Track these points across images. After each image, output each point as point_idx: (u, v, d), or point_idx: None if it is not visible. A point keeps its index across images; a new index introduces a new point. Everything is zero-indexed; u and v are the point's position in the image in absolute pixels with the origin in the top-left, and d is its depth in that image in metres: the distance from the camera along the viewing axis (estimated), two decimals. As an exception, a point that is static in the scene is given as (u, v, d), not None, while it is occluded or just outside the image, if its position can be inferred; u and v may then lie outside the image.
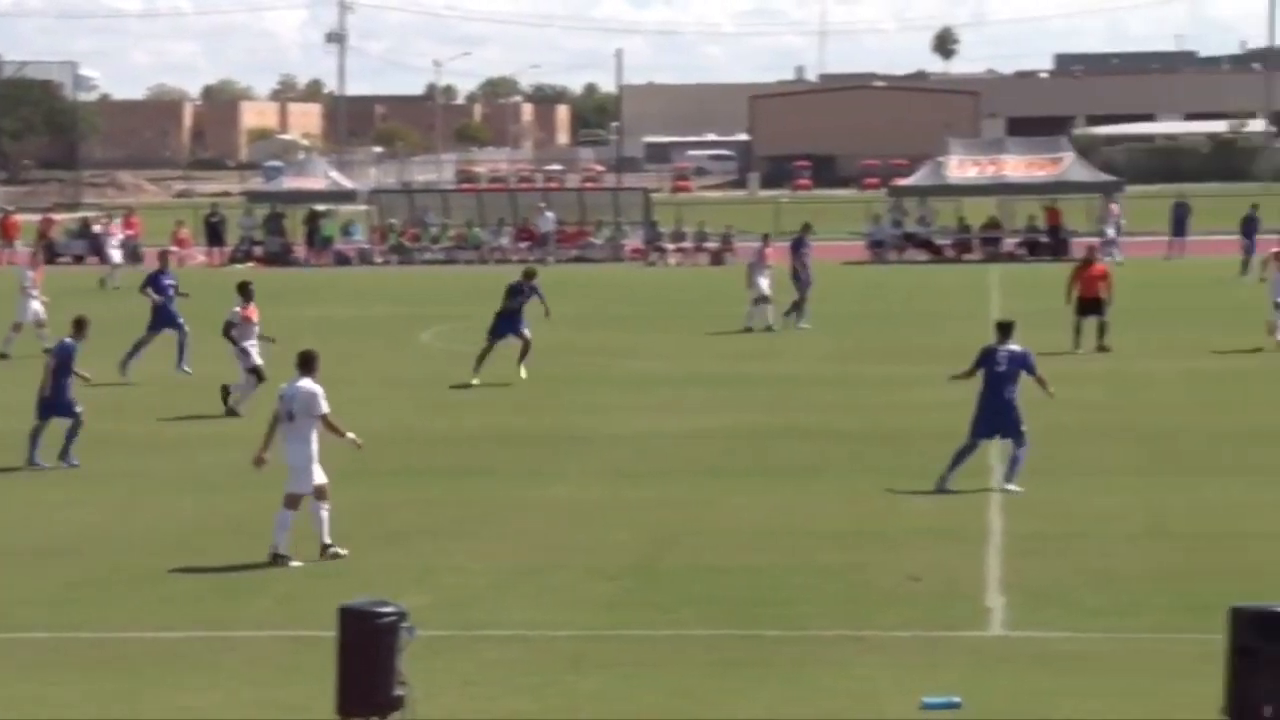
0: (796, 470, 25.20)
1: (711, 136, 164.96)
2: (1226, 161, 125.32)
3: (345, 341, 39.28)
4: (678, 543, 20.88)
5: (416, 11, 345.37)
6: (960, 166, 69.38)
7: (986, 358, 23.56)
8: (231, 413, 29.99)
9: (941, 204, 70.19)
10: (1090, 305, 37.59)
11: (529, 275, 35.39)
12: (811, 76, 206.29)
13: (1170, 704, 14.52)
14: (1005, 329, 23.84)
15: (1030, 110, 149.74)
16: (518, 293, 34.67)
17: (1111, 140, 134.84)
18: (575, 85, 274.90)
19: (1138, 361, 35.87)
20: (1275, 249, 40.18)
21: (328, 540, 19.93)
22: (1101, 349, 36.54)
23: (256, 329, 31.03)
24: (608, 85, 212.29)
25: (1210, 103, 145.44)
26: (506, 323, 34.33)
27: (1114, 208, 65.96)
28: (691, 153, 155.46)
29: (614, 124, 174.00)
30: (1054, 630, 16.86)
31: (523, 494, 23.79)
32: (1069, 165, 69.12)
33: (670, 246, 69.77)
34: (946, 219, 70.03)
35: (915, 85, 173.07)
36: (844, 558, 19.82)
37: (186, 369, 35.19)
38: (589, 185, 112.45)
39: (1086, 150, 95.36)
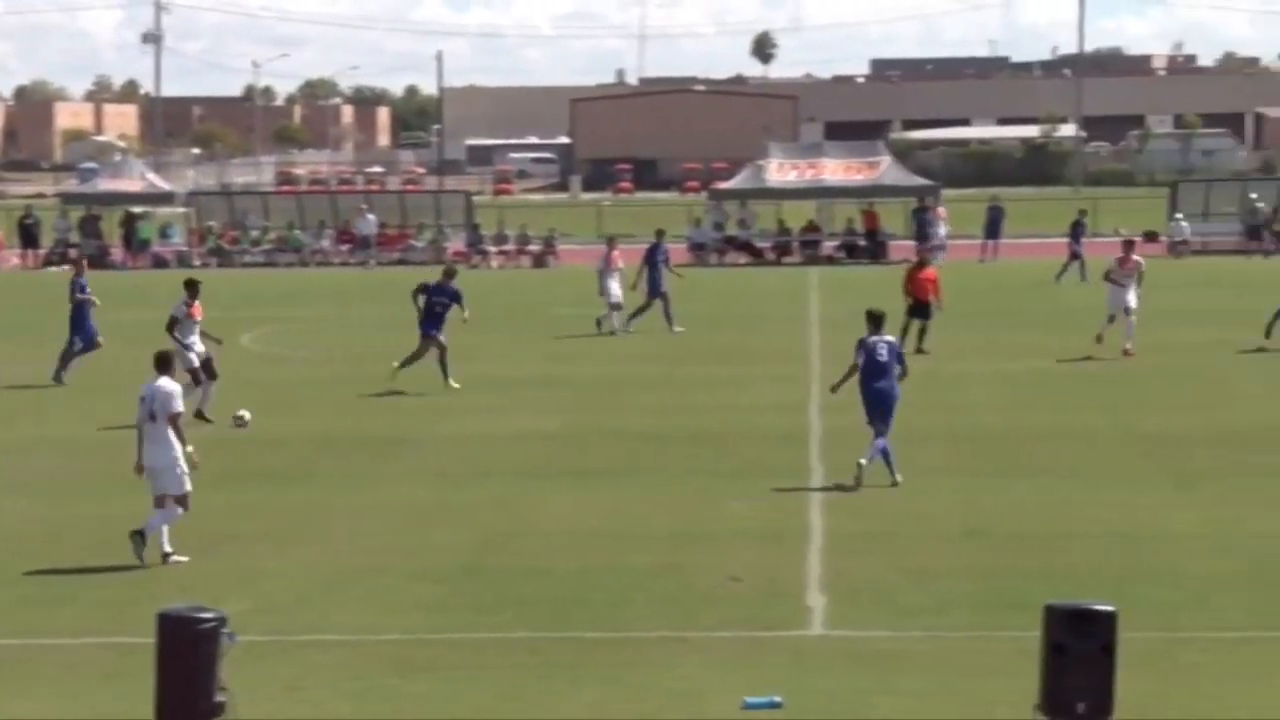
0: (620, 472, 25.29)
1: (533, 139, 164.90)
2: (1039, 166, 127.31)
3: (164, 346, 38.71)
4: (502, 545, 20.89)
5: (234, 12, 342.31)
6: (780, 170, 69.94)
7: (867, 349, 23.95)
8: (200, 415, 29.21)
9: (762, 207, 70.71)
10: (920, 308, 38.05)
11: (449, 275, 34.54)
12: (632, 80, 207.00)
13: (986, 701, 14.76)
14: (878, 320, 24.31)
15: (848, 114, 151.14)
16: (439, 293, 33.71)
17: (927, 144, 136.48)
18: (395, 87, 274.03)
19: (954, 363, 36.34)
20: (1121, 255, 37.98)
21: (169, 548, 19.82)
22: (919, 351, 36.97)
23: (198, 326, 30.50)
24: (428, 87, 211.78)
25: (1023, 108, 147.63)
26: (432, 324, 33.44)
27: (941, 211, 66.81)
28: (513, 155, 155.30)
29: (435, 126, 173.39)
30: (873, 629, 17.06)
31: (346, 498, 23.68)
32: (886, 169, 69.93)
33: (493, 249, 69.70)
34: (767, 222, 70.57)
35: (735, 89, 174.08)
36: (666, 559, 19.93)
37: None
38: (410, 188, 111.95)
39: (903, 154, 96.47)
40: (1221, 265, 62.42)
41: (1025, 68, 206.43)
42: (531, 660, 16.16)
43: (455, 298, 33.83)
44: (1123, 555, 19.88)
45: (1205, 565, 19.37)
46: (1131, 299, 36.99)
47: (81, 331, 35.16)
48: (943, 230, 65.83)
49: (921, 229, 66.67)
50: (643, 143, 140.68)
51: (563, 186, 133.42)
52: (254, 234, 71.28)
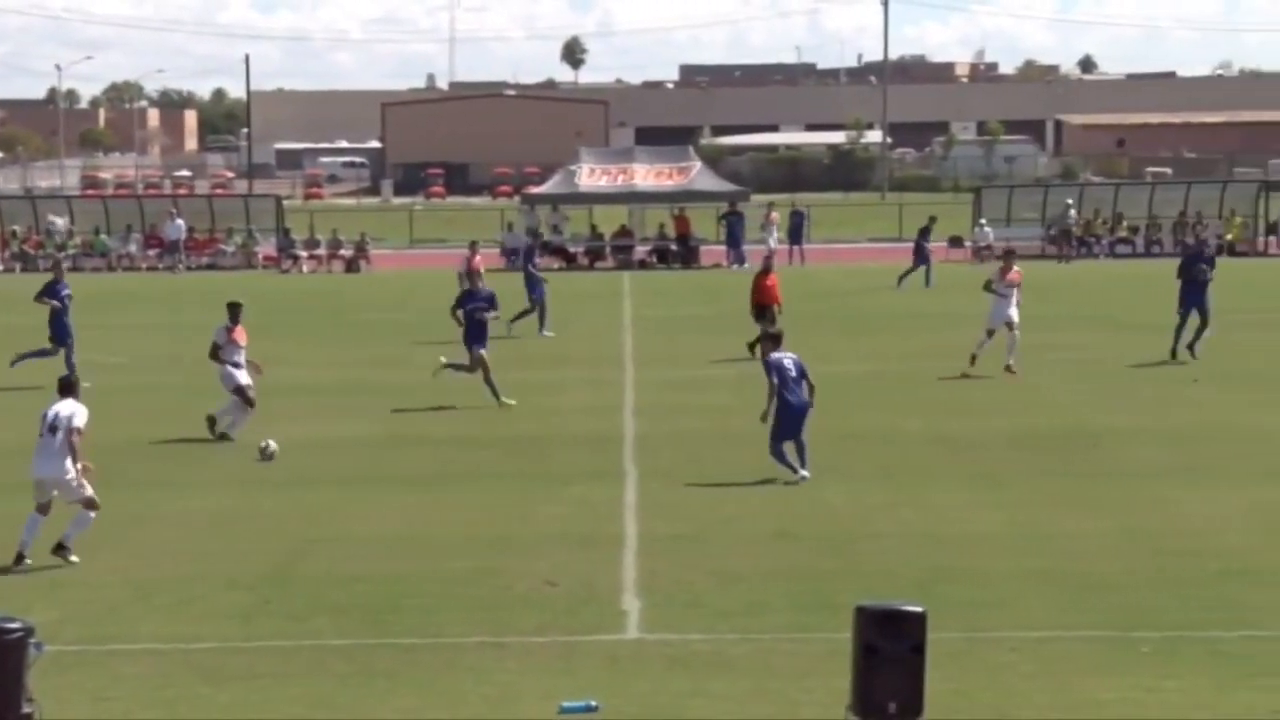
0: (433, 477, 25.23)
1: (343, 144, 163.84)
2: (846, 172, 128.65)
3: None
4: (314, 552, 20.77)
5: (37, 14, 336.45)
6: (591, 175, 70.11)
7: (779, 368, 24.40)
8: (224, 437, 28.46)
9: (574, 212, 70.84)
10: (764, 313, 38.31)
11: (474, 278, 33.66)
12: (442, 84, 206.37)
13: (799, 702, 14.93)
14: (777, 339, 25.06)
15: (658, 120, 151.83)
16: (474, 299, 32.46)
17: (737, 150, 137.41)
18: (202, 91, 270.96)
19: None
20: (1003, 265, 36.19)
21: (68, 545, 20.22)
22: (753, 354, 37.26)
23: (243, 351, 29.44)
24: (236, 91, 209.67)
25: (830, 114, 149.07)
26: (477, 336, 31.95)
27: (774, 216, 67.25)
28: (323, 160, 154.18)
29: (244, 130, 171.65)
30: (687, 632, 17.18)
31: (157, 505, 23.42)
32: (696, 174, 70.35)
33: (304, 254, 69.19)
34: (579, 226, 70.72)
35: (546, 94, 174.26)
36: (480, 563, 19.92)
37: None
38: (219, 192, 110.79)
39: (713, 160, 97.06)
40: (1024, 270, 63.32)
41: (832, 74, 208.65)
42: (345, 668, 16.09)
43: (491, 301, 32.63)
44: (930, 556, 20.16)
45: (1010, 565, 19.70)
46: (1014, 313, 35.25)
47: None
48: (774, 235, 66.25)
49: (731, 232, 67.15)
50: (454, 147, 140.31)
51: (374, 191, 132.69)
52: (59, 238, 70.18)
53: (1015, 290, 35.50)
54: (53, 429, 20.12)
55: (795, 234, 68.17)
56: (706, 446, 27.32)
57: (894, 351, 38.40)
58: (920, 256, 57.74)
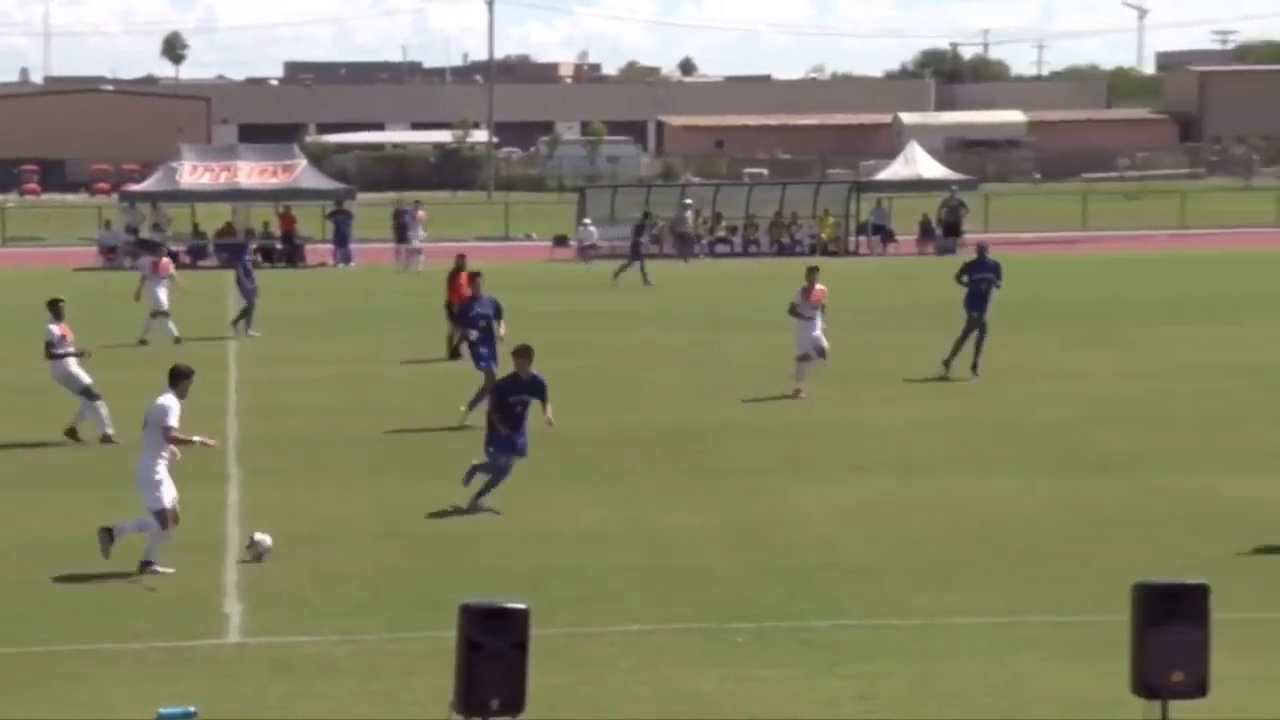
0: (49, 481, 24.62)
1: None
2: (453, 170, 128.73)
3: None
4: (-99, 562, 20.09)
5: None
6: (193, 172, 68.97)
7: (506, 387, 22.96)
8: (71, 434, 27.28)
9: (176, 210, 69.59)
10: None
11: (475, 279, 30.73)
12: (37, 79, 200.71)
13: (403, 701, 14.98)
14: (522, 352, 22.92)
15: (262, 117, 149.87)
16: (480, 308, 29.88)
17: (342, 148, 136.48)
18: None
19: (370, 365, 36.55)
20: (806, 285, 32.71)
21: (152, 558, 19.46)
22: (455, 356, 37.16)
23: (71, 347, 27.77)
24: None
25: (437, 113, 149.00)
26: (488, 348, 29.28)
27: (420, 215, 66.82)
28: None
29: None
30: (291, 634, 17.07)
31: None
32: (301, 172, 69.73)
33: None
34: (182, 225, 69.51)
35: (145, 90, 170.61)
36: (76, 569, 19.46)
37: None
38: None
39: (318, 158, 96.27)
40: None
41: (438, 73, 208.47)
42: (-64, 679, 15.63)
43: (498, 311, 29.85)
44: (535, 553, 20.36)
45: (614, 560, 20.00)
46: (823, 337, 32.38)
47: None
48: (421, 234, 65.88)
49: (338, 231, 66.73)
50: (49, 143, 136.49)
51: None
52: None
53: (819, 310, 32.60)
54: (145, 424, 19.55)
55: (401, 232, 67.92)
56: (313, 447, 27.16)
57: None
58: (635, 252, 58.36)
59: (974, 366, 34.03)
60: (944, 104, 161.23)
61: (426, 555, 20.32)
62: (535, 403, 22.75)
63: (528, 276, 57.10)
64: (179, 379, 19.90)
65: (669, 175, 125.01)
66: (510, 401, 22.52)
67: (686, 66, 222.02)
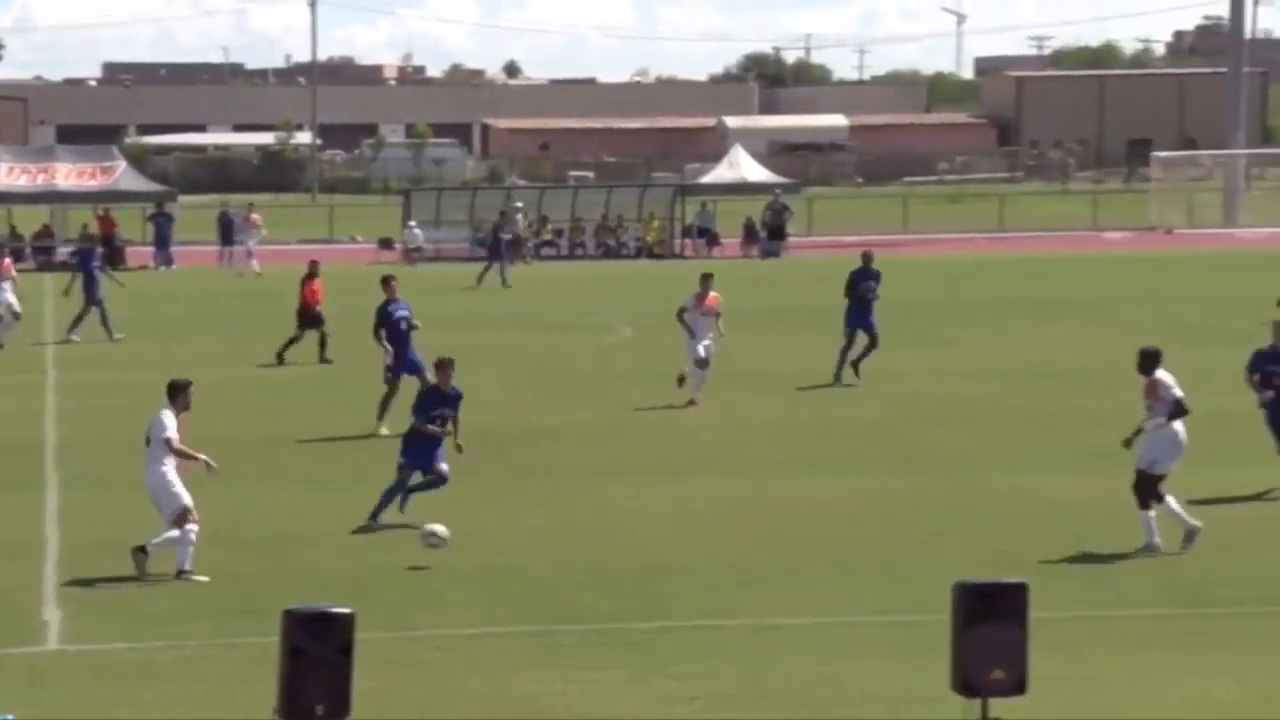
0: None
1: None
2: (276, 172, 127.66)
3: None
4: None
5: None
6: (10, 174, 67.90)
7: (432, 400, 22.31)
8: None
9: (-8, 212, 68.44)
10: (312, 318, 37.51)
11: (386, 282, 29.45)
12: None
13: (230, 707, 14.84)
14: (445, 364, 22.44)
15: (80, 118, 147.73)
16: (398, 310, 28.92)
17: (163, 150, 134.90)
18: None
19: (196, 369, 36.11)
20: (699, 291, 31.74)
21: (188, 566, 19.35)
22: (324, 360, 36.80)
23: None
24: None
25: (259, 114, 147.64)
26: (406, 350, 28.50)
27: (255, 217, 66.10)
28: None
29: None
30: (112, 641, 16.86)
31: None
32: (121, 174, 68.88)
33: None
34: (-2, 227, 68.38)
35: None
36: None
37: None
38: None
39: (138, 159, 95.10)
40: (454, 272, 64.04)
41: (260, 75, 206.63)
42: None
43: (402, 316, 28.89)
44: (363, 556, 20.26)
45: (440, 563, 19.92)
46: (702, 350, 31.06)
47: None
48: (256, 238, 65.22)
49: (159, 233, 66.00)
50: None
51: None
52: None
53: (713, 318, 31.57)
54: (147, 440, 19.70)
55: (226, 234, 67.25)
56: (133, 452, 26.75)
57: (339, 352, 38.30)
58: (495, 253, 58.19)
59: (855, 365, 33.81)
60: (767, 108, 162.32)
61: (250, 560, 20.14)
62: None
63: (354, 279, 56.55)
64: (176, 393, 20.02)
65: (494, 178, 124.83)
66: (433, 415, 22.06)
67: (511, 69, 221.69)
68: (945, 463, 25.96)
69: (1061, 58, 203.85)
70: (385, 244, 71.12)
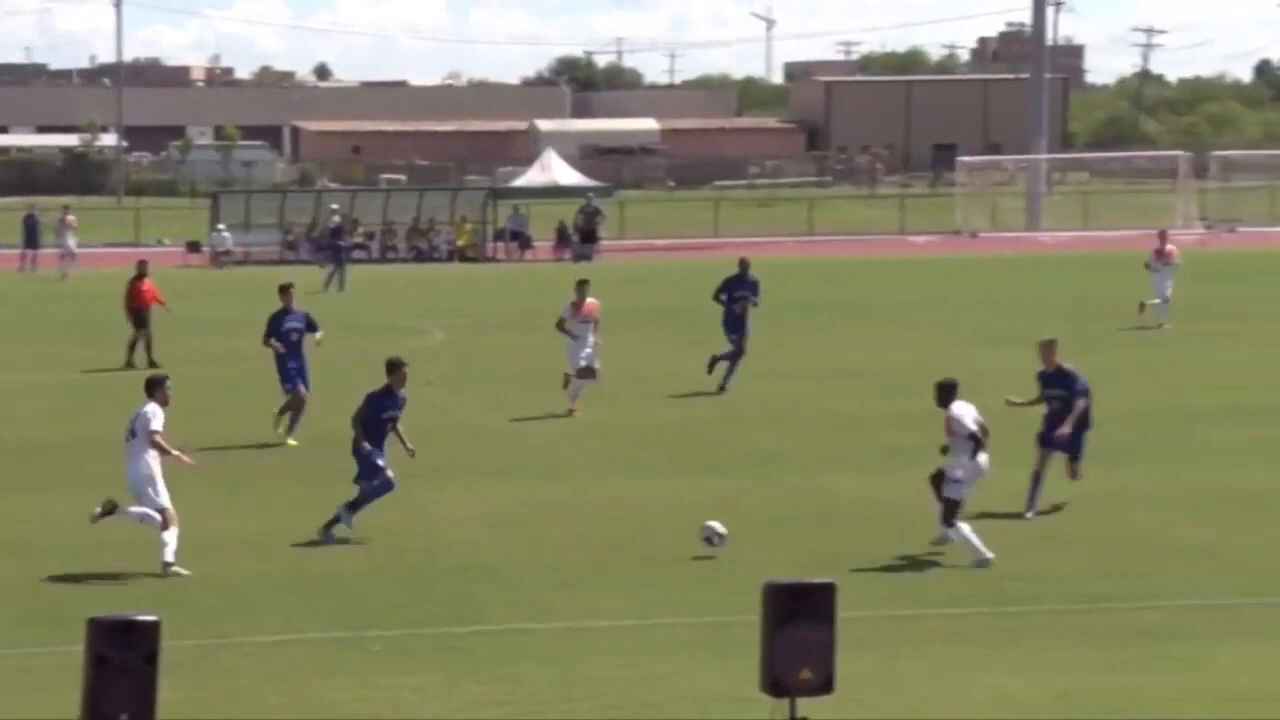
0: None
1: None
2: (81, 175, 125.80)
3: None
4: None
5: None
6: None
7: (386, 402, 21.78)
8: None
9: None
10: (141, 318, 36.88)
11: (285, 291, 28.63)
12: None
13: (34, 716, 14.61)
14: (399, 366, 21.80)
15: None
16: (290, 320, 28.38)
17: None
18: None
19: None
20: (575, 299, 30.90)
21: (170, 559, 19.51)
22: (151, 364, 36.20)
23: None
24: None
25: (63, 116, 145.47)
26: (296, 365, 27.83)
27: (71, 219, 64.98)
28: None
29: None
30: (-91, 653, 16.53)
31: None
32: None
33: None
34: None
35: None
36: None
37: None
38: None
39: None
40: (264, 275, 63.42)
41: (64, 75, 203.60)
42: None
43: (310, 324, 28.53)
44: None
45: (250, 570, 19.76)
46: (594, 355, 30.51)
47: None
48: (71, 239, 64.18)
49: (30, 237, 65.09)
50: None
51: None
52: None
53: (591, 327, 30.76)
54: (132, 433, 19.82)
55: (31, 238, 66.11)
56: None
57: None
58: (336, 256, 57.66)
59: (721, 387, 32.72)
60: (580, 111, 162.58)
61: (56, 569, 19.82)
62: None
63: (162, 283, 55.95)
64: (154, 387, 20.20)
65: (304, 181, 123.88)
66: (383, 418, 21.64)
67: (321, 71, 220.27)
68: (755, 462, 26.14)
69: (869, 63, 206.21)
70: (193, 247, 70.37)
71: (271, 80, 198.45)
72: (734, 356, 33.33)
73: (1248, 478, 24.50)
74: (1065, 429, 22.27)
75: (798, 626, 12.19)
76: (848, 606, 12.75)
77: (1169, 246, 43.84)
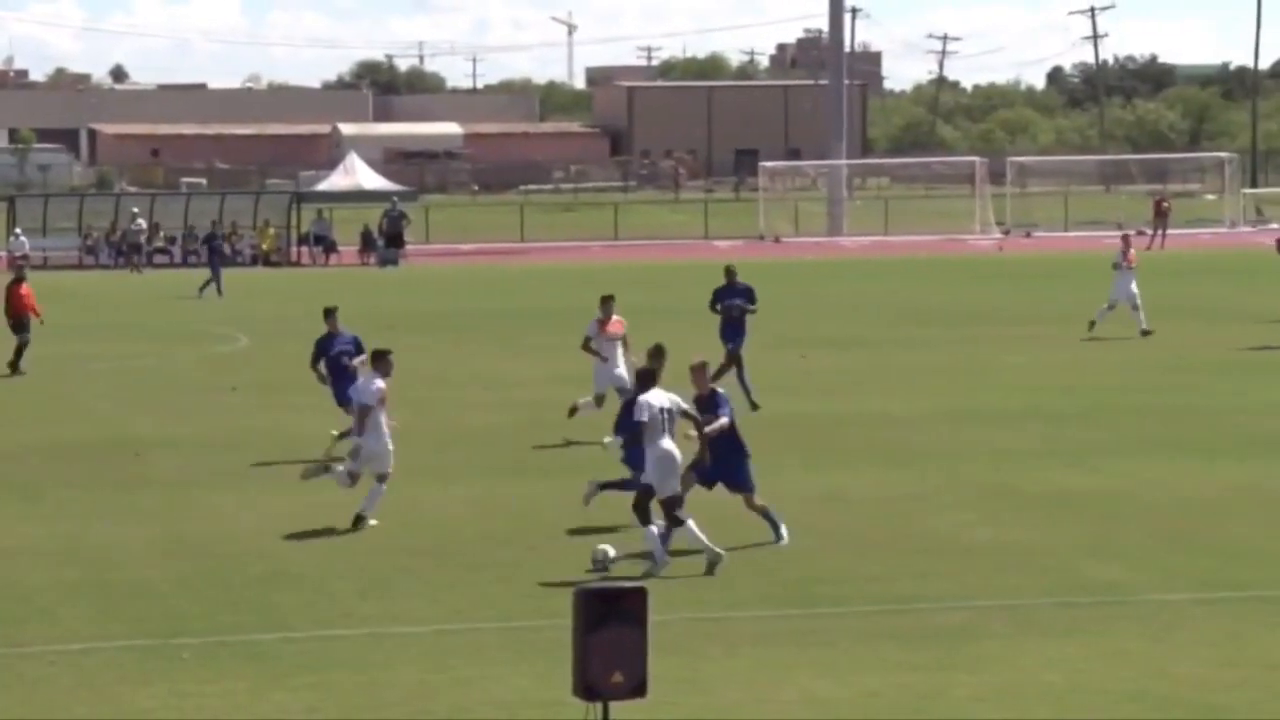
0: None
1: None
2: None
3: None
4: None
5: None
6: None
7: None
8: None
9: None
10: (20, 323, 36.51)
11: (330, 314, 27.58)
12: None
13: None
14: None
15: None
16: (338, 343, 27.30)
17: None
18: None
19: None
20: (600, 316, 29.32)
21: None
22: (15, 370, 35.58)
23: None
24: None
25: None
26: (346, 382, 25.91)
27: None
28: None
29: None
30: None
31: None
32: None
33: None
34: None
35: None
36: None
37: None
38: None
39: None
40: (63, 280, 62.48)
41: None
42: None
43: (359, 346, 27.09)
44: (-34, 574, 19.67)
45: (50, 578, 19.47)
46: (626, 375, 27.83)
47: None
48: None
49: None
50: None
51: None
52: None
53: (620, 345, 29.11)
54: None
55: None
56: None
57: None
58: (212, 263, 57.24)
59: (753, 406, 30.48)
60: (382, 115, 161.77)
61: None
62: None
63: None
64: (379, 359, 22.80)
65: (103, 184, 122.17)
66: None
67: (118, 74, 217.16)
68: (561, 468, 26.16)
69: (670, 68, 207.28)
70: (-12, 252, 69.15)
71: (67, 82, 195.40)
72: (725, 370, 31.12)
73: (1040, 479, 24.93)
74: (704, 456, 20.65)
75: (610, 630, 12.24)
76: (660, 610, 12.82)
77: (1132, 251, 44.61)
